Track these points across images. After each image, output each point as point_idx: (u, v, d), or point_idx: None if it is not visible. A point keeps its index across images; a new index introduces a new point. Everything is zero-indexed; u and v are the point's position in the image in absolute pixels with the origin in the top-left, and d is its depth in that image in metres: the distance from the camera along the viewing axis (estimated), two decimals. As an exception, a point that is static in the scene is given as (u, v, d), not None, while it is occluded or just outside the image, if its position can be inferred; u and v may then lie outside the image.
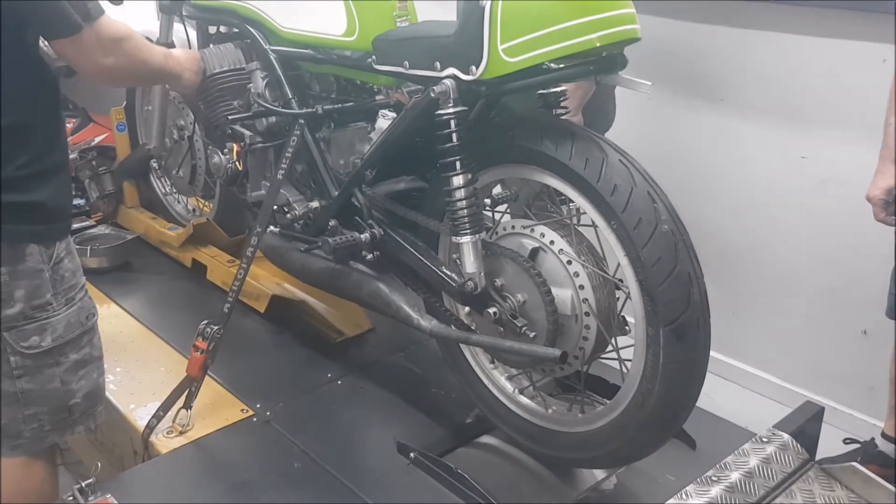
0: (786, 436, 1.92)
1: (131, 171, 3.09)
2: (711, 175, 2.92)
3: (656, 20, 2.79)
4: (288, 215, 2.16)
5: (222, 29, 2.44)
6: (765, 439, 1.92)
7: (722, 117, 2.84)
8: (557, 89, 1.84)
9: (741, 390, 2.95)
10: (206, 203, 3.01)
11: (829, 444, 2.19)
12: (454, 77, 1.65)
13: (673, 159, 2.92)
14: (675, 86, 2.91)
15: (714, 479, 1.78)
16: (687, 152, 2.96)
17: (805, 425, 1.99)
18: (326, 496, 1.80)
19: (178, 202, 3.12)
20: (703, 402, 1.70)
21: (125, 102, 3.06)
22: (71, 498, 1.72)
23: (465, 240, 1.70)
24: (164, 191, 3.11)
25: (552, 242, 1.70)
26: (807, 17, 2.55)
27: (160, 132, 2.78)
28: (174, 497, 1.82)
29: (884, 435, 2.45)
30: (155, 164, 2.92)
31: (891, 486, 1.79)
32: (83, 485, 1.74)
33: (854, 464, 1.85)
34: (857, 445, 2.48)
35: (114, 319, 2.54)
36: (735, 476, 1.79)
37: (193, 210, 3.09)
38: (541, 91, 1.84)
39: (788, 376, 2.88)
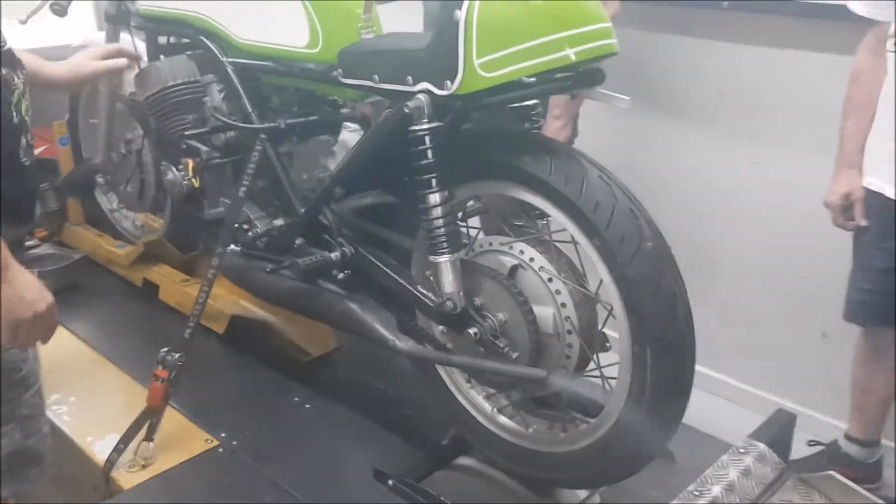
0: (762, 446, 1.92)
1: (76, 187, 2.96)
2: (668, 183, 2.93)
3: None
4: (249, 233, 2.07)
5: (173, 39, 2.34)
6: (742, 450, 1.92)
7: (678, 125, 2.84)
8: (529, 103, 1.81)
9: (701, 393, 2.96)
10: (156, 219, 2.90)
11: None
12: (428, 92, 1.60)
13: (630, 168, 2.91)
14: (631, 95, 2.91)
15: (696, 493, 1.77)
16: (643, 161, 2.97)
17: (779, 433, 2.00)
18: (304, 530, 1.73)
19: (126, 218, 2.99)
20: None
21: (68, 116, 2.92)
22: (35, 541, 1.62)
23: (444, 259, 1.64)
24: (110, 207, 2.98)
25: (532, 259, 1.66)
26: (762, 26, 2.57)
27: (107, 146, 2.66)
28: (142, 535, 1.73)
29: (847, 436, 2.49)
30: (101, 179, 2.80)
31: (868, 494, 1.81)
32: (44, 528, 1.64)
33: (832, 472, 1.86)
34: (822, 447, 2.52)
35: (64, 345, 2.40)
36: (716, 490, 1.78)
37: (142, 226, 2.98)
38: (512, 105, 1.80)
39: (749, 379, 2.91)
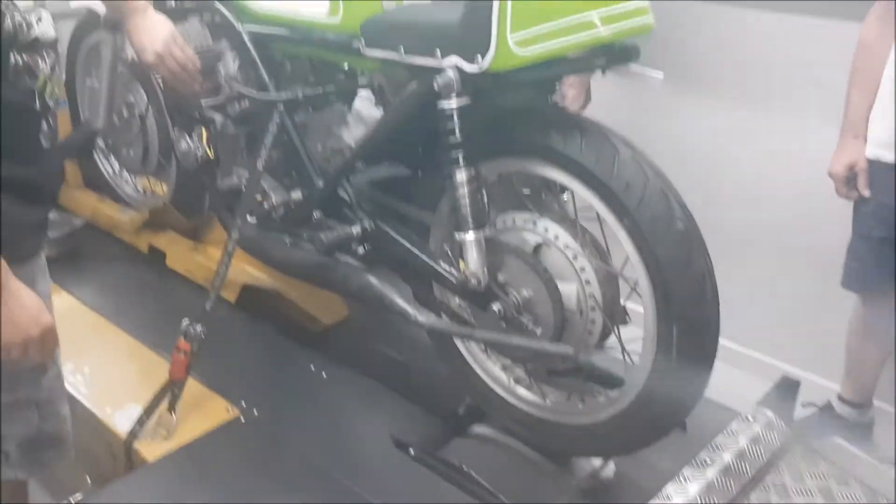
0: (770, 413, 1.97)
1: (74, 150, 2.90)
2: (669, 148, 2.93)
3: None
4: (265, 205, 2.06)
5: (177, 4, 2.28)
6: (750, 418, 1.97)
7: (678, 90, 2.82)
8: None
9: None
10: (158, 183, 2.86)
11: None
12: (457, 67, 1.59)
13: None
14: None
15: (708, 461, 1.82)
16: (640, 127, 2.95)
17: (784, 400, 2.06)
18: (332, 499, 1.76)
19: (127, 183, 2.95)
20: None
21: (64, 77, 2.85)
22: (62, 516, 1.63)
23: (470, 237, 1.65)
24: (111, 171, 2.93)
25: (557, 237, 1.67)
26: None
27: (108, 109, 2.60)
28: (173, 505, 1.75)
29: (840, 398, 2.57)
30: (101, 143, 2.75)
31: (872, 460, 1.87)
32: (72, 502, 1.65)
33: (838, 439, 1.92)
34: (815, 408, 2.59)
35: (72, 314, 2.38)
36: (727, 457, 1.83)
37: (144, 191, 2.94)
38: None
39: (744, 341, 2.96)
